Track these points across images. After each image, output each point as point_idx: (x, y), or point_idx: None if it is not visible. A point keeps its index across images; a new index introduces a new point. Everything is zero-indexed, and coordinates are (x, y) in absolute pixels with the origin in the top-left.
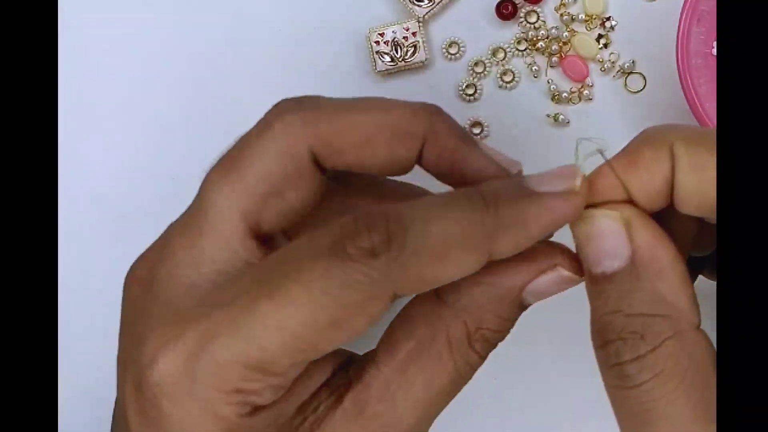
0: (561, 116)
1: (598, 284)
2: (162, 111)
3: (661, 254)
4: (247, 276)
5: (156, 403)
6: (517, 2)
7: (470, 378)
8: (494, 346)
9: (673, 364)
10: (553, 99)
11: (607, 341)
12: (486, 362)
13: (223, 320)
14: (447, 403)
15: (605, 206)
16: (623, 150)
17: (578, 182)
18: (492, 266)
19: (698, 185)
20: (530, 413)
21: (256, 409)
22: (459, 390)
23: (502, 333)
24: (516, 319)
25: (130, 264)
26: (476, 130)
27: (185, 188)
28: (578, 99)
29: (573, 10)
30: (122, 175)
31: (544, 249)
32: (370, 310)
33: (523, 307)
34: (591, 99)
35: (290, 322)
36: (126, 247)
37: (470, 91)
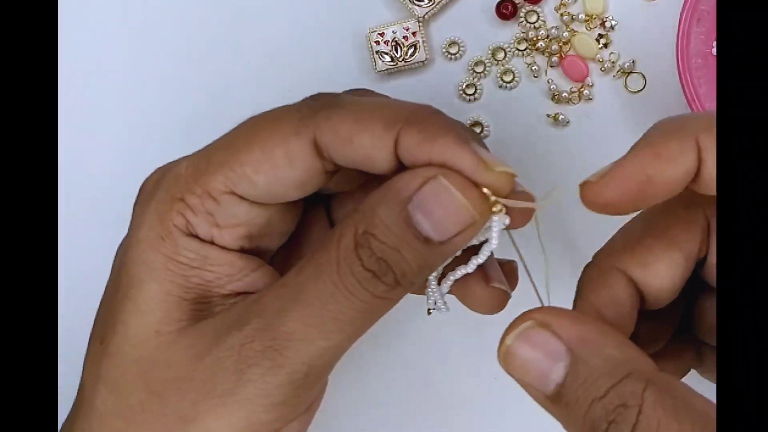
0: (561, 116)
1: (560, 401)
2: (162, 111)
3: (587, 329)
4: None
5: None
6: (517, 2)
7: (362, 302)
8: (381, 264)
9: (663, 409)
10: (553, 99)
11: None
12: (486, 362)
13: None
14: (334, 320)
15: (517, 322)
16: (644, 142)
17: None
18: (393, 177)
19: None
20: (531, 413)
21: (193, 235)
22: (351, 313)
23: (386, 247)
24: (403, 236)
25: None
26: (476, 130)
27: None
28: (578, 99)
29: (573, 9)
30: (122, 176)
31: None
32: (291, 144)
33: (408, 221)
34: (591, 99)
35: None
36: None
37: (470, 91)
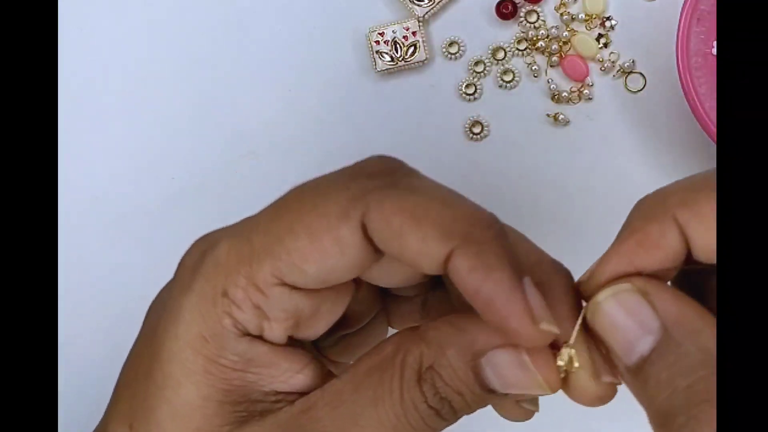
0: (561, 116)
1: (639, 374)
2: (162, 111)
3: (687, 311)
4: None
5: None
6: (517, 2)
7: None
8: (445, 404)
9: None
10: (553, 98)
11: (678, 427)
12: None
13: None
14: None
15: (614, 282)
16: (626, 230)
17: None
18: (473, 315)
19: (710, 235)
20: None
21: (243, 334)
22: None
23: (451, 390)
24: (469, 383)
25: (130, 264)
26: (476, 130)
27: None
28: (578, 98)
29: (573, 9)
30: (122, 176)
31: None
32: (341, 231)
33: (477, 374)
34: (591, 98)
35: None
36: (126, 247)
37: (470, 91)
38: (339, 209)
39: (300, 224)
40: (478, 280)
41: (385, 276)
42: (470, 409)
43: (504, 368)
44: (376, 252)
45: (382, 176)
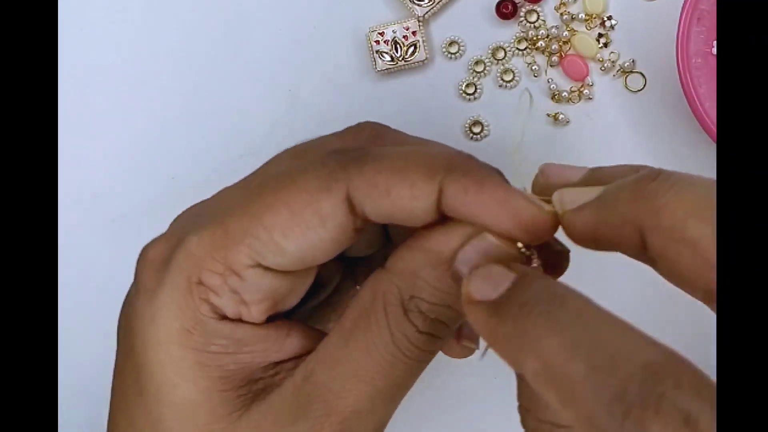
0: (561, 115)
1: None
2: (161, 111)
3: None
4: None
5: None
6: (517, 1)
7: (419, 362)
8: (436, 324)
9: None
10: (553, 98)
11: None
12: (486, 361)
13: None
14: (394, 386)
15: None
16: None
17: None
18: (426, 232)
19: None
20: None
21: (222, 318)
22: (409, 374)
23: (438, 307)
24: (452, 293)
25: (130, 264)
26: (476, 130)
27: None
28: (578, 98)
29: (573, 9)
30: (122, 175)
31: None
32: (322, 203)
33: (457, 278)
34: (591, 98)
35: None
36: (126, 247)
37: (470, 90)
38: (320, 183)
39: (280, 200)
40: (476, 195)
41: (353, 250)
42: (460, 317)
43: (477, 258)
44: (357, 230)
45: (355, 151)
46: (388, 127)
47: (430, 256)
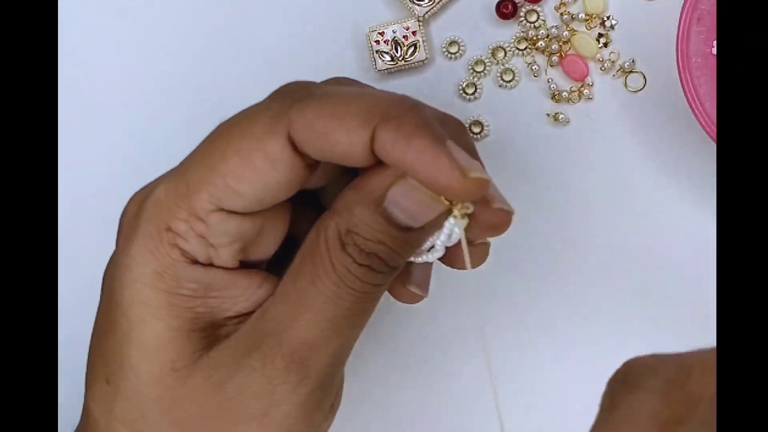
0: (561, 115)
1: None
2: (162, 111)
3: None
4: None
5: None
6: (517, 1)
7: (365, 294)
8: (373, 257)
9: None
10: (553, 98)
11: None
12: (486, 362)
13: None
14: (343, 318)
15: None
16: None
17: (473, 174)
18: (364, 172)
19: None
20: (530, 412)
21: (193, 262)
22: (358, 307)
23: (371, 242)
24: (383, 230)
25: None
26: (476, 129)
27: None
28: (578, 98)
29: (573, 9)
30: (122, 175)
31: None
32: (268, 146)
33: (387, 216)
34: (591, 98)
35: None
36: None
37: (470, 90)
38: (264, 127)
39: (230, 149)
40: (402, 149)
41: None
42: (400, 256)
43: (402, 198)
44: (308, 167)
45: (299, 92)
46: (316, 84)
47: (362, 194)
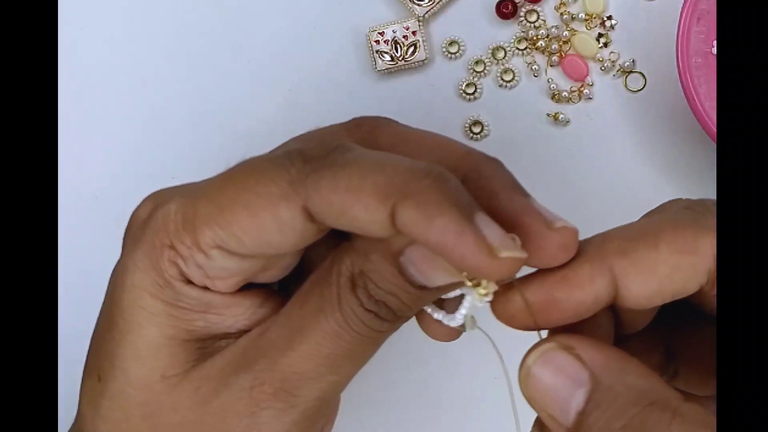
0: (561, 115)
1: (581, 429)
2: (162, 111)
3: (610, 355)
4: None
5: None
6: (517, 1)
7: (368, 338)
8: (382, 306)
9: None
10: (553, 98)
11: None
12: (487, 361)
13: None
14: (341, 357)
15: (539, 343)
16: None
17: (508, 252)
18: None
19: (645, 286)
20: (531, 413)
21: (188, 282)
22: (358, 349)
23: (383, 291)
24: (397, 282)
25: None
26: (476, 129)
27: None
28: (578, 98)
29: (573, 9)
30: (122, 176)
31: None
32: (280, 211)
33: (402, 271)
34: (591, 98)
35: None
36: None
37: (470, 90)
38: (280, 191)
39: (240, 199)
40: (423, 230)
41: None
42: (410, 310)
43: (419, 261)
44: (321, 231)
45: (318, 158)
46: (389, 121)
47: (383, 243)
